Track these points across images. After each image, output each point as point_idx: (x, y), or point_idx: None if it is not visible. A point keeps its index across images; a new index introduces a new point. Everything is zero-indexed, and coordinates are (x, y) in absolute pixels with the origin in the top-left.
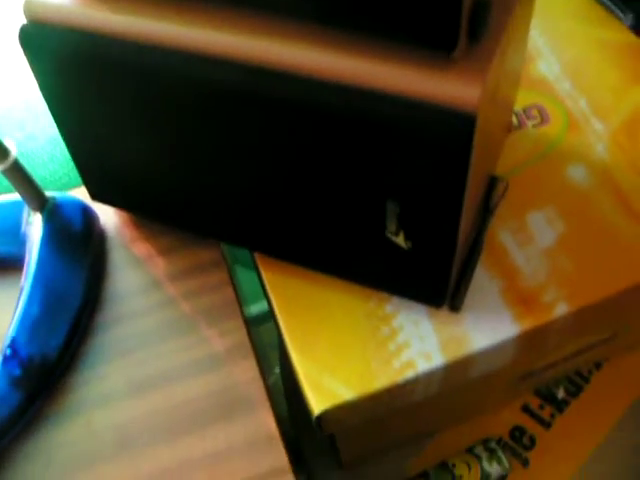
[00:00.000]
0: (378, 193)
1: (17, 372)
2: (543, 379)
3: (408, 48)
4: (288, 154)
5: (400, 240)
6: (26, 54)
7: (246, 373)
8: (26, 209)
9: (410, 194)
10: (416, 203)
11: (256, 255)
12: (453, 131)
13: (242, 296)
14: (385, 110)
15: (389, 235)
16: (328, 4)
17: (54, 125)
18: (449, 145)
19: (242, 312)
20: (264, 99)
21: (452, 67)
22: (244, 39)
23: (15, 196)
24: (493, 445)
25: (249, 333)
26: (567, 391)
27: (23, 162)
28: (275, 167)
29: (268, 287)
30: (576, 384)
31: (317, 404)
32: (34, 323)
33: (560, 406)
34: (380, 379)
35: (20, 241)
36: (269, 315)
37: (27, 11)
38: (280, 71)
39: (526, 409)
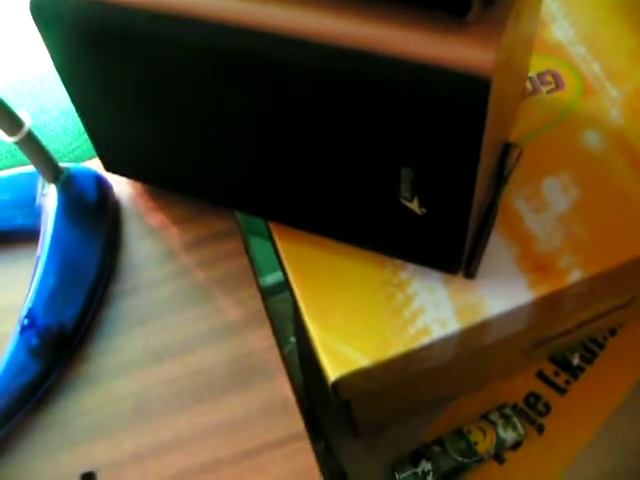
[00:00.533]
0: (393, 159)
1: (35, 342)
2: (558, 346)
3: (422, 13)
4: (303, 121)
5: (414, 206)
6: (38, 25)
7: (262, 341)
8: (40, 181)
9: (425, 160)
10: (431, 169)
11: (271, 224)
12: (468, 95)
13: (257, 267)
14: (400, 75)
15: (403, 201)
16: None
17: (67, 98)
18: (464, 109)
19: (257, 281)
20: (279, 67)
21: (466, 31)
22: (259, 5)
23: (29, 168)
24: (508, 411)
25: (264, 302)
26: (582, 357)
27: (36, 134)
28: (290, 135)
29: (283, 256)
30: (591, 350)
31: (333, 370)
32: (51, 293)
33: (575, 372)
34: (395, 345)
35: (35, 213)
36: (284, 286)
37: None
38: (295, 38)
39: (541, 375)
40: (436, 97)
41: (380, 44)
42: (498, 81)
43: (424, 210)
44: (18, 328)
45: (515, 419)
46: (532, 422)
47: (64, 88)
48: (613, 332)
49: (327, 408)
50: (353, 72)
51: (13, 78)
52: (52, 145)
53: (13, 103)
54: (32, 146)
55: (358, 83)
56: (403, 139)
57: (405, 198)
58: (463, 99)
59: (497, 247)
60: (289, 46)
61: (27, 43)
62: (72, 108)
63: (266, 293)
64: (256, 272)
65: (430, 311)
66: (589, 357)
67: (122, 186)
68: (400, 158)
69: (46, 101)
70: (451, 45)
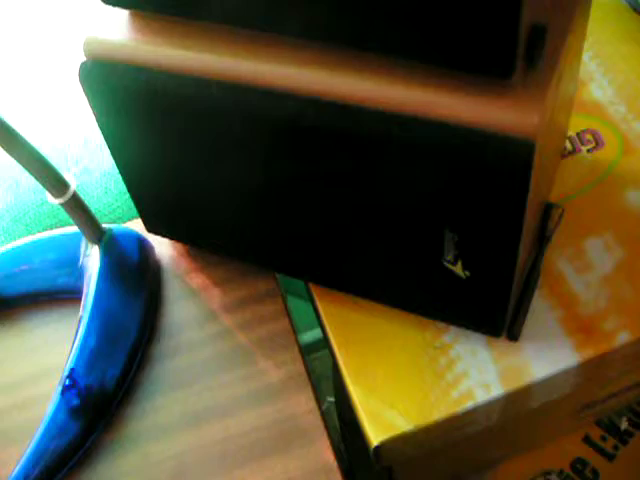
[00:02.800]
0: (437, 222)
1: (76, 402)
2: (606, 409)
3: (465, 75)
4: (347, 185)
5: (458, 269)
6: (85, 90)
7: (303, 404)
8: (84, 241)
9: (469, 223)
10: (475, 232)
11: (311, 286)
12: (512, 159)
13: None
14: (445, 139)
15: (447, 264)
16: (384, 34)
17: (108, 159)
18: (509, 173)
19: (298, 343)
20: (324, 132)
21: (510, 94)
22: (301, 71)
23: (73, 229)
24: (554, 477)
25: (305, 364)
26: (630, 422)
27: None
28: (333, 199)
29: (324, 317)
30: None
31: (375, 435)
32: (92, 354)
33: (623, 438)
34: (439, 410)
35: (78, 273)
36: (318, 344)
37: (87, 49)
38: (340, 103)
39: (587, 440)
40: (481, 161)
41: (424, 108)
42: (541, 144)
43: (468, 273)
44: (59, 388)
45: None
46: None
47: (108, 150)
48: None
49: (367, 470)
50: (399, 137)
51: (58, 141)
52: (93, 205)
53: (57, 165)
54: (77, 208)
55: (403, 147)
56: (447, 203)
57: (448, 261)
58: (508, 163)
59: (540, 309)
60: (335, 112)
61: (70, 108)
62: (113, 170)
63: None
64: (296, 333)
65: (473, 375)
66: (638, 421)
67: (163, 247)
68: (444, 222)
69: (88, 163)
70: (494, 108)
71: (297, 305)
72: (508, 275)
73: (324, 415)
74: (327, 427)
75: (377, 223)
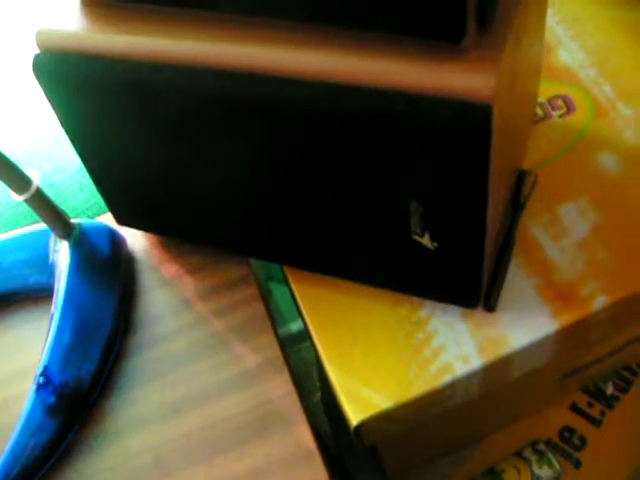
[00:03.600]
0: (400, 194)
1: (51, 400)
2: (590, 376)
3: (415, 41)
4: (305, 162)
5: (426, 241)
6: (40, 82)
7: (281, 388)
8: (53, 237)
9: (432, 192)
10: (439, 202)
11: (286, 268)
12: (470, 123)
13: (281, 314)
14: (398, 108)
15: (415, 237)
16: (330, 4)
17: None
18: (467, 138)
19: (274, 327)
20: (277, 109)
21: (464, 58)
22: (251, 48)
23: (42, 225)
24: (542, 447)
25: (282, 348)
26: (616, 386)
27: (53, 193)
28: (295, 177)
29: (299, 300)
30: (625, 379)
31: (354, 415)
32: (66, 350)
33: (610, 403)
34: (417, 386)
35: (49, 270)
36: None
37: (39, 40)
38: (290, 78)
39: (574, 408)
40: (437, 128)
41: (375, 77)
42: (501, 107)
43: (436, 245)
44: (34, 387)
45: (550, 455)
46: (568, 457)
47: (70, 143)
48: None
49: (355, 455)
50: (349, 108)
51: (28, 138)
52: (69, 202)
53: (28, 163)
54: (41, 203)
55: (355, 119)
56: (408, 172)
57: (416, 234)
58: (465, 127)
59: (516, 278)
60: (284, 87)
61: (39, 104)
62: None
63: (292, 340)
64: (274, 318)
65: (451, 348)
66: (624, 386)
67: (135, 238)
68: (407, 192)
69: (61, 160)
70: (448, 73)
71: (285, 294)
72: (478, 245)
73: (315, 402)
74: (306, 410)
75: (340, 199)
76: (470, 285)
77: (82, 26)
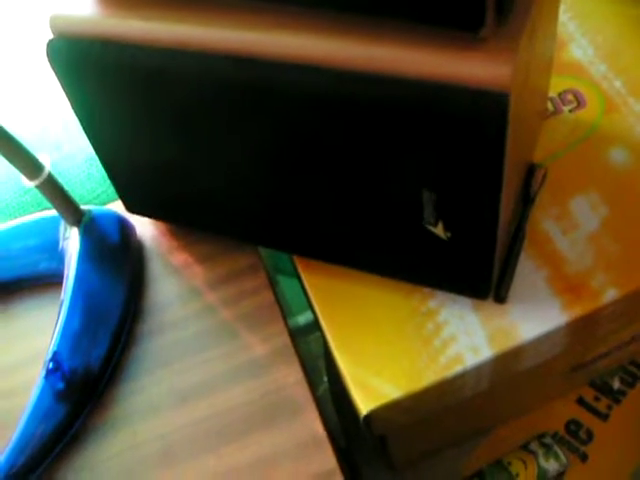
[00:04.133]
0: (414, 182)
1: (60, 385)
2: (597, 370)
3: (434, 30)
4: (321, 150)
5: (439, 231)
6: (54, 69)
7: (290, 377)
8: (63, 224)
9: (447, 181)
10: (453, 191)
11: (295, 258)
12: (487, 111)
13: (288, 306)
14: (416, 96)
15: (427, 226)
16: None
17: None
18: (484, 126)
19: (283, 316)
20: (294, 95)
21: (481, 47)
22: (268, 35)
23: (52, 212)
24: (549, 440)
25: (292, 337)
26: (623, 381)
27: (61, 181)
28: (309, 165)
29: (309, 290)
30: (632, 373)
31: (364, 404)
32: (75, 336)
33: (616, 397)
34: (427, 376)
35: (59, 256)
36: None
37: (53, 26)
38: (309, 65)
39: (581, 401)
40: (455, 116)
41: (394, 65)
42: (516, 97)
43: (449, 234)
44: (43, 372)
45: (556, 448)
46: (574, 451)
47: (83, 131)
48: None
49: (363, 445)
50: (367, 96)
51: (37, 126)
52: (77, 191)
53: (36, 151)
54: (53, 190)
55: (373, 107)
56: (424, 161)
57: (429, 223)
58: (482, 115)
59: (527, 270)
60: (300, 74)
61: (48, 90)
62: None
63: (299, 333)
64: (283, 308)
65: (461, 339)
66: (630, 380)
67: (145, 226)
68: (421, 181)
69: (70, 148)
70: (466, 62)
71: (296, 287)
72: (491, 235)
73: (319, 395)
74: (315, 398)
75: (355, 187)
76: (481, 276)
77: (96, 11)
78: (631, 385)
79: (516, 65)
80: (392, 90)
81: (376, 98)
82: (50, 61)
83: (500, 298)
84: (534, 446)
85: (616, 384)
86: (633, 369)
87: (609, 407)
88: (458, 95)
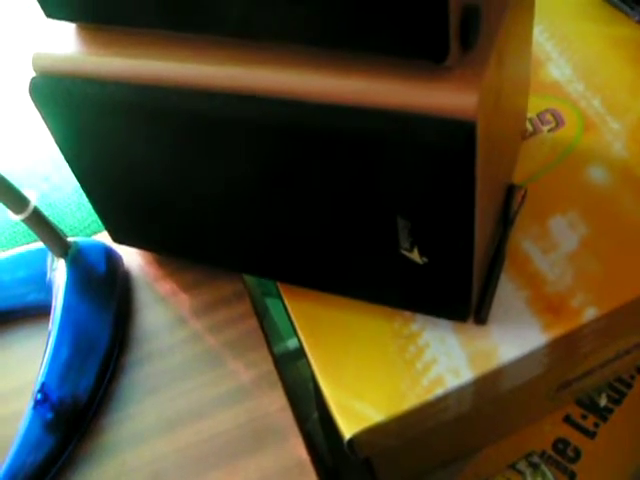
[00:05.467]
0: (388, 210)
1: (49, 416)
2: (583, 388)
3: (399, 61)
4: (294, 180)
5: (415, 256)
6: (37, 106)
7: (275, 403)
8: (50, 256)
9: (419, 209)
10: (426, 217)
11: (279, 285)
12: (454, 140)
13: (278, 330)
14: (381, 126)
15: (404, 252)
16: (315, 26)
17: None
18: (452, 154)
19: (268, 342)
20: (265, 127)
21: (447, 76)
22: (242, 70)
23: (40, 244)
24: (536, 459)
25: (276, 363)
26: (609, 398)
27: (51, 212)
28: (284, 195)
29: (293, 316)
30: (618, 390)
31: (347, 428)
32: (63, 366)
33: (603, 414)
34: (409, 399)
35: (47, 288)
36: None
37: (35, 64)
38: (277, 98)
39: (568, 420)
40: (421, 146)
41: (360, 96)
42: (486, 123)
43: (425, 260)
44: (32, 403)
45: (544, 467)
46: (563, 470)
47: (66, 164)
48: None
49: (351, 468)
50: (337, 127)
51: (27, 159)
52: (67, 221)
53: (27, 182)
54: (38, 223)
55: (342, 138)
56: (395, 189)
57: (405, 249)
58: (450, 144)
59: (507, 290)
60: (271, 106)
61: (36, 125)
62: None
63: (289, 356)
64: (268, 334)
65: (443, 361)
66: (617, 397)
67: (132, 256)
68: (395, 208)
69: (59, 179)
70: (432, 91)
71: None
72: (466, 259)
73: (314, 420)
74: (300, 424)
75: (330, 216)
76: (460, 299)
77: (77, 49)
78: (618, 402)
79: (482, 92)
80: (362, 121)
81: (345, 129)
82: (33, 99)
83: (480, 320)
84: (522, 466)
85: (603, 401)
86: (619, 386)
87: (596, 425)
88: (425, 125)
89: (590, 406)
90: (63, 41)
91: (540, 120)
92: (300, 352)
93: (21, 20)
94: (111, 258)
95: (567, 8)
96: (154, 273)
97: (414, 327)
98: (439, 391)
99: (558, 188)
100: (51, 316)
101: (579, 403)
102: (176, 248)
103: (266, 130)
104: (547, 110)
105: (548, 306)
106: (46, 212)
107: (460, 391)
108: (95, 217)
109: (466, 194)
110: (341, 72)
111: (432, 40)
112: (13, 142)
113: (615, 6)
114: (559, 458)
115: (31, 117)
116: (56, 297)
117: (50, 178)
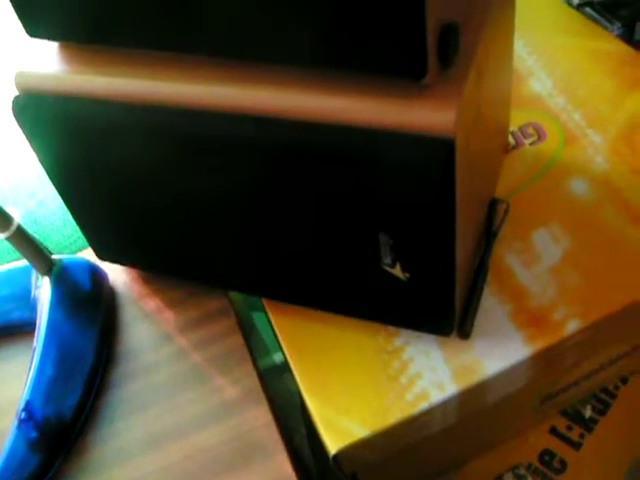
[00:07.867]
0: (369, 226)
1: (34, 435)
2: (568, 399)
3: (377, 78)
4: (274, 198)
5: (397, 272)
6: (20, 124)
7: (260, 418)
8: (34, 273)
9: (400, 226)
10: (407, 233)
11: (264, 301)
12: (432, 158)
13: (265, 345)
14: (359, 145)
15: (386, 267)
16: (295, 45)
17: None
18: (431, 172)
19: (253, 358)
20: (242, 146)
21: (426, 93)
22: (218, 89)
23: (24, 262)
24: (522, 472)
25: (261, 379)
26: (595, 409)
27: (37, 228)
28: (264, 212)
29: (277, 331)
30: (603, 401)
31: (332, 444)
32: (48, 385)
33: (589, 425)
34: (394, 413)
35: (31, 306)
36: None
37: (18, 83)
38: (254, 116)
39: (554, 431)
40: (401, 163)
41: (338, 115)
42: (465, 140)
43: (407, 275)
44: (16, 422)
45: (530, 479)
46: None
47: (50, 181)
48: (625, 380)
49: None
50: (316, 145)
51: (11, 176)
52: (53, 238)
53: (12, 199)
54: (22, 241)
55: (322, 155)
56: (376, 206)
57: (387, 265)
58: (428, 162)
59: (490, 304)
60: (255, 125)
61: (22, 141)
62: None
63: (275, 370)
64: (252, 350)
65: (427, 375)
66: (602, 408)
67: (117, 273)
68: (377, 225)
69: (44, 196)
70: (410, 109)
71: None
72: (448, 274)
73: (303, 434)
74: (285, 439)
75: (311, 233)
76: (443, 314)
77: (60, 68)
78: (603, 413)
79: (461, 109)
80: (341, 139)
81: (325, 147)
82: (16, 117)
83: (464, 334)
84: (508, 478)
85: (588, 412)
86: (604, 397)
87: (582, 436)
88: (404, 142)
89: (575, 417)
90: (46, 59)
91: (522, 133)
92: (286, 366)
93: (3, 38)
94: (96, 275)
95: (548, 23)
96: (139, 290)
97: (398, 342)
98: (424, 405)
99: (540, 201)
100: (36, 334)
101: (564, 414)
102: (161, 265)
103: (247, 148)
104: (529, 123)
105: (531, 319)
106: (31, 229)
107: (445, 405)
108: (80, 234)
109: (446, 211)
110: (321, 90)
111: (410, 58)
112: (1, 160)
113: (595, 21)
114: (545, 470)
115: (16, 133)
116: (41, 315)
117: (36, 195)
